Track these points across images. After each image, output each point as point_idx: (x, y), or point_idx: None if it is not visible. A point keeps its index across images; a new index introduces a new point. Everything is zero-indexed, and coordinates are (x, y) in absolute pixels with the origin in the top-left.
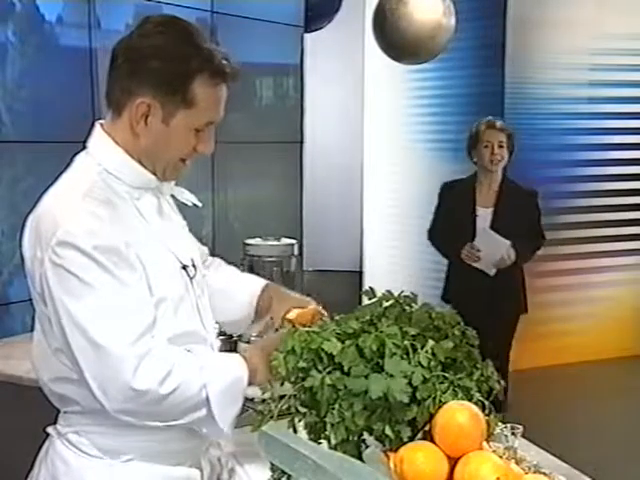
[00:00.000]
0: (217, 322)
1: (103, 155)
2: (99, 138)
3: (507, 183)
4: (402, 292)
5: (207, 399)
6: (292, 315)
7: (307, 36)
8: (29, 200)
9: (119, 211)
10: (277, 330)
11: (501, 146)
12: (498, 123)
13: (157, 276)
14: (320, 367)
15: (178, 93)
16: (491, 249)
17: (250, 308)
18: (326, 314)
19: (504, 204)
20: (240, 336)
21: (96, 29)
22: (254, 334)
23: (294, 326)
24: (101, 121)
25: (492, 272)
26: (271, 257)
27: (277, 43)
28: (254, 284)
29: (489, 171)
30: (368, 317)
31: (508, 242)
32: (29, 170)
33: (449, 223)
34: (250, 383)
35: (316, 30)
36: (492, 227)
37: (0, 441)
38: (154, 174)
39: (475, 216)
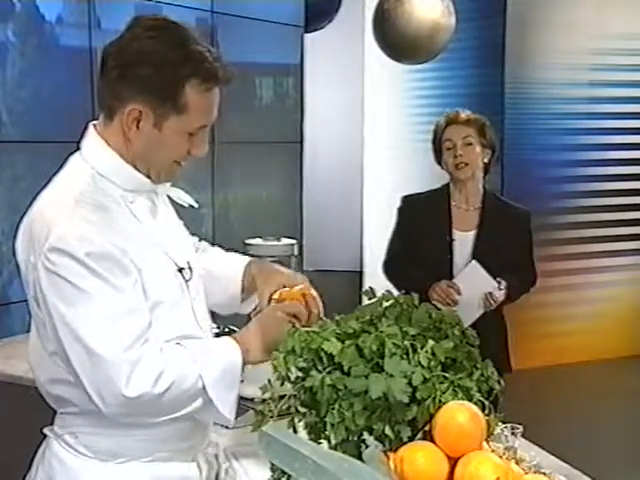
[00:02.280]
0: (209, 306)
1: (96, 158)
2: (92, 140)
3: (492, 199)
4: (402, 292)
5: (204, 388)
6: (277, 295)
7: (307, 36)
8: (29, 200)
9: (113, 215)
10: (260, 310)
11: (469, 144)
12: (463, 114)
13: (152, 279)
14: (320, 367)
15: (169, 99)
16: (474, 291)
17: (236, 287)
18: (314, 292)
19: (490, 227)
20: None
21: (96, 29)
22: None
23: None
24: (94, 122)
25: (469, 322)
26: (271, 257)
27: (277, 43)
28: (237, 262)
29: (459, 180)
30: (368, 317)
31: (495, 283)
32: (29, 170)
33: (414, 251)
34: (245, 363)
35: (316, 30)
36: (474, 257)
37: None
38: (148, 177)
39: (451, 241)
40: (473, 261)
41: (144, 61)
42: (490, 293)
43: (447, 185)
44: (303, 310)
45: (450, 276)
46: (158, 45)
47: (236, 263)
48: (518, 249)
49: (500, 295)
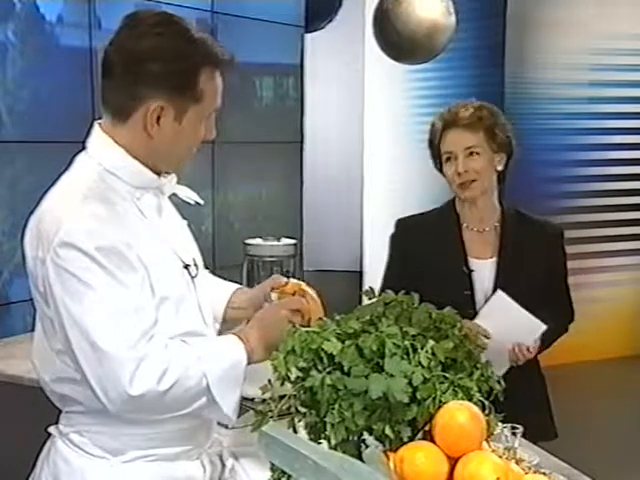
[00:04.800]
0: None
1: (103, 155)
2: (99, 138)
3: (513, 215)
4: (402, 292)
5: (208, 387)
6: (282, 286)
7: (307, 36)
8: (29, 200)
9: (120, 211)
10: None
11: (475, 153)
12: (464, 113)
13: (159, 276)
14: (320, 367)
15: (188, 90)
16: (510, 332)
17: (217, 313)
18: (310, 290)
19: (515, 251)
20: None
21: (96, 29)
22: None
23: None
24: (100, 121)
25: (502, 371)
26: (271, 257)
27: (277, 43)
28: (224, 288)
29: (466, 200)
30: (368, 317)
31: (543, 325)
32: (29, 170)
33: (419, 289)
34: (249, 362)
35: (316, 30)
36: (496, 290)
37: (1, 441)
38: (157, 174)
39: (470, 272)
40: (499, 290)
41: (157, 58)
42: (518, 344)
43: (453, 200)
44: (305, 304)
45: (474, 317)
46: (168, 40)
47: (222, 288)
48: (552, 277)
49: (534, 346)
